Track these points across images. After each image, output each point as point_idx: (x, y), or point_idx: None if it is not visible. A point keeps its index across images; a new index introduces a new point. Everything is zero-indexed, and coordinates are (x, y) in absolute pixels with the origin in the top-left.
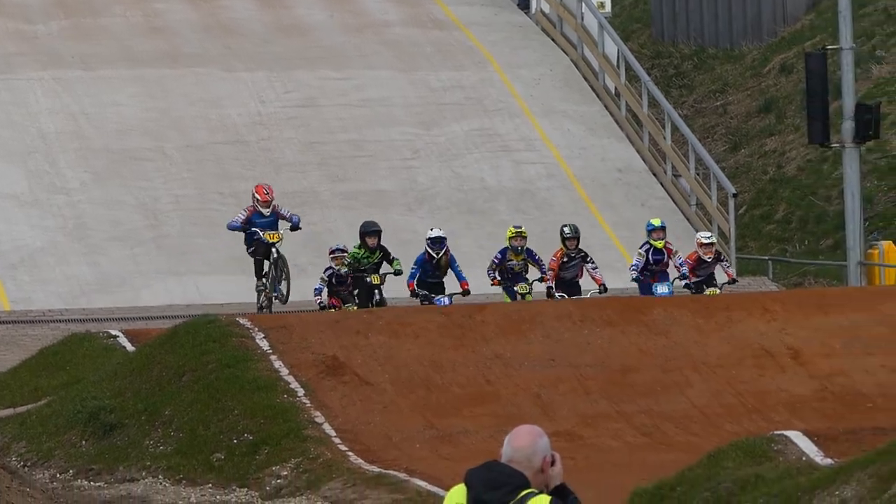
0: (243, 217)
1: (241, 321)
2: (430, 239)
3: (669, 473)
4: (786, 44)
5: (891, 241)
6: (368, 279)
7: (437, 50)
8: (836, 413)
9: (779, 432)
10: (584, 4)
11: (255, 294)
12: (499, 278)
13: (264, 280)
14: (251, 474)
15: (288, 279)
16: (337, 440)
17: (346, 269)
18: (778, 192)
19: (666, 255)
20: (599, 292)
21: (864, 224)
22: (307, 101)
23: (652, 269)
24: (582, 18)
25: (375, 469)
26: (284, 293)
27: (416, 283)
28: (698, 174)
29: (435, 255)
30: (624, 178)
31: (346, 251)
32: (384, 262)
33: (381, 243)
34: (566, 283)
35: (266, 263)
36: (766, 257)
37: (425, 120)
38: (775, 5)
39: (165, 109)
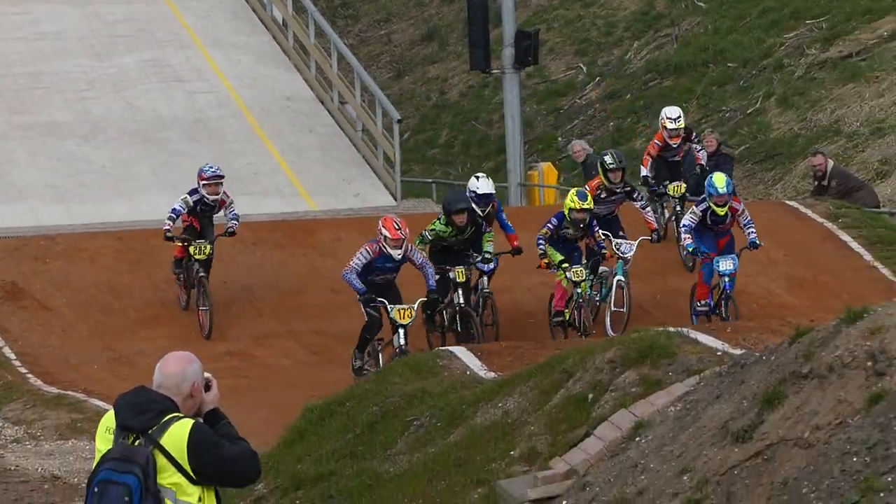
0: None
1: None
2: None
3: (339, 390)
4: None
5: (549, 163)
6: (452, 274)
7: None
8: (501, 329)
9: (444, 348)
10: None
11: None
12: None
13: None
14: None
15: None
16: (17, 363)
17: (420, 243)
18: (441, 118)
19: (730, 217)
20: (651, 241)
21: (524, 147)
22: None
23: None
24: None
25: (54, 390)
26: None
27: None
28: (364, 101)
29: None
30: (292, 106)
31: (222, 177)
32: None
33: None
34: (600, 219)
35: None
36: (430, 180)
37: (99, 52)
38: None
39: None
